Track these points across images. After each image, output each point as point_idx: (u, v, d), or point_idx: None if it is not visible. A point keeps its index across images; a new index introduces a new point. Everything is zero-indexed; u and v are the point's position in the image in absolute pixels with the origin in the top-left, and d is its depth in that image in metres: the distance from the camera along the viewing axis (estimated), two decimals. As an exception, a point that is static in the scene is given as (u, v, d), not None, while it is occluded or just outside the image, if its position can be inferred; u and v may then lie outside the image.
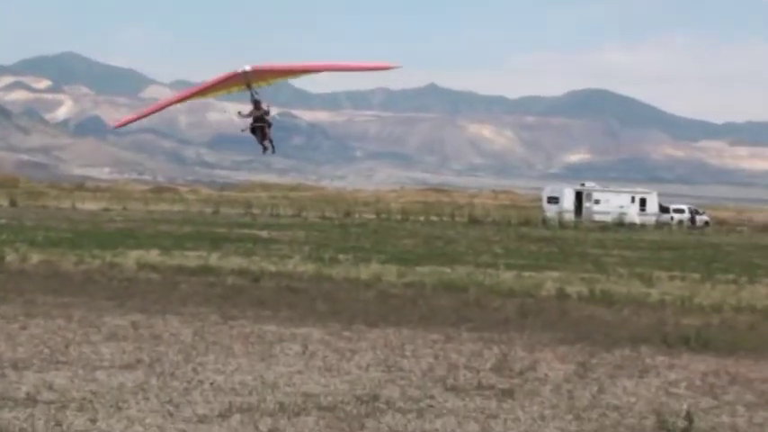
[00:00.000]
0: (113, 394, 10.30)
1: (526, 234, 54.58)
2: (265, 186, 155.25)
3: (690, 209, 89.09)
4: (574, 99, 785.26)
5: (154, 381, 11.02)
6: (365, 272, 25.09)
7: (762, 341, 15.50)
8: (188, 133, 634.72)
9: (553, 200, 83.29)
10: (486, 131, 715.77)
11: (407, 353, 13.49)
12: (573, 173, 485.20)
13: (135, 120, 22.18)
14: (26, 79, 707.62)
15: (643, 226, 76.76)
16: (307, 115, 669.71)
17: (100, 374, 11.29)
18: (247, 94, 18.79)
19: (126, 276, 22.21)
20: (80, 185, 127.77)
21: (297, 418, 9.62)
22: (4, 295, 17.79)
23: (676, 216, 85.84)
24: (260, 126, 18.86)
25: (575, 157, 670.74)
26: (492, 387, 11.37)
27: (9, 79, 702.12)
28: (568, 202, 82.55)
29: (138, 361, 12.15)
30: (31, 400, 9.97)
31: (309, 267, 25.79)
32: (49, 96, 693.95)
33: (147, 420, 9.36)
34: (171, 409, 9.81)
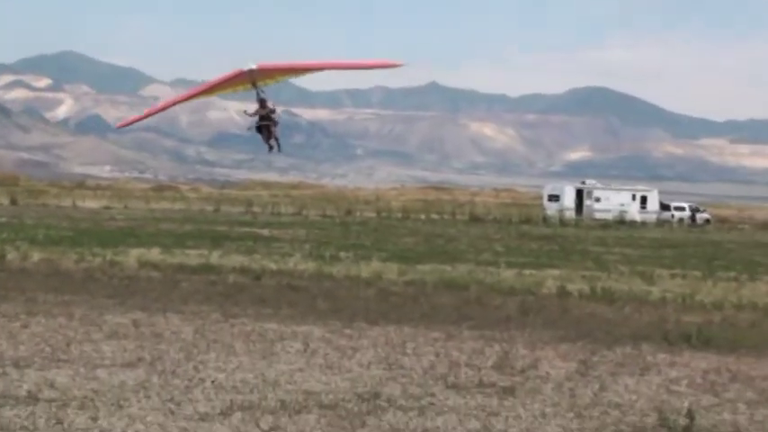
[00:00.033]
0: (115, 392, 10.31)
1: (527, 232, 54.63)
2: (266, 185, 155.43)
3: (690, 206, 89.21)
4: (575, 97, 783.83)
5: (155, 379, 11.02)
6: (366, 270, 25.08)
7: (763, 339, 15.50)
8: (189, 132, 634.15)
9: (554, 198, 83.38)
10: (487, 129, 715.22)
11: (408, 351, 13.48)
12: (574, 171, 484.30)
13: (139, 120, 22.12)
14: (26, 78, 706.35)
15: (644, 224, 76.85)
16: (307, 113, 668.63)
17: (101, 373, 11.30)
18: (247, 93, 18.76)
19: (127, 275, 22.23)
20: (81, 184, 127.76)
21: (298, 416, 9.62)
22: (5, 293, 17.80)
23: (677, 214, 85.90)
24: (266, 125, 18.83)
25: (576, 155, 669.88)
26: (493, 385, 11.37)
27: (9, 78, 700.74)
28: (569, 199, 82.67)
29: (140, 359, 12.16)
30: (33, 398, 9.97)
31: (310, 265, 25.79)
32: (50, 95, 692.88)
33: (149, 418, 9.36)
34: (172, 407, 9.81)
